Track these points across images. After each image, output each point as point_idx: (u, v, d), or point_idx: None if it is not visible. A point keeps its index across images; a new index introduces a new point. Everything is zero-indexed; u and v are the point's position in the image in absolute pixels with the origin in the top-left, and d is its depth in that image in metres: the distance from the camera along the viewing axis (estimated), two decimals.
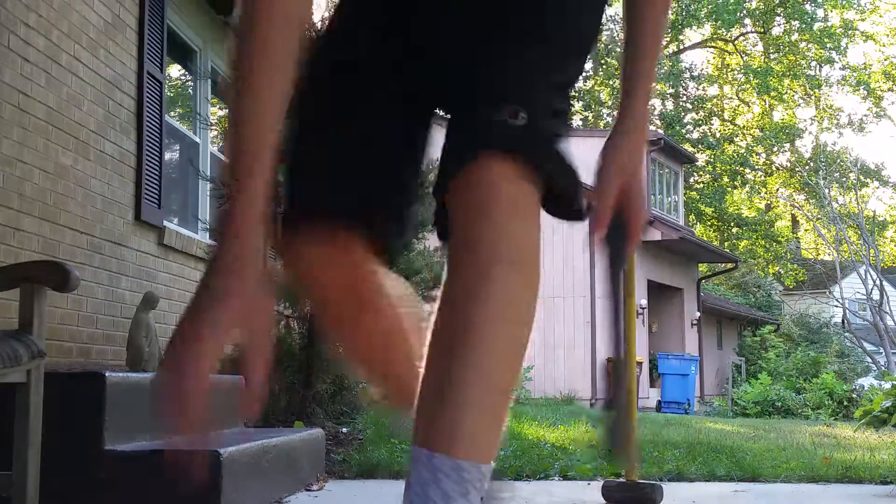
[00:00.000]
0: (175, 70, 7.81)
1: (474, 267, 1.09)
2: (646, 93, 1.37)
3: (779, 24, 35.47)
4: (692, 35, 36.89)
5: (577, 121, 34.14)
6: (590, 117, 33.47)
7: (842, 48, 33.74)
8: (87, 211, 5.11)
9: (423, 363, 1.12)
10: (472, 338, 1.06)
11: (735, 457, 5.57)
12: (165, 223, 6.21)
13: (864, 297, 24.87)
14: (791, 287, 33.57)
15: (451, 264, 1.13)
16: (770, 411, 17.21)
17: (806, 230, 37.75)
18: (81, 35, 5.13)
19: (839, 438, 7.98)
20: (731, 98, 36.71)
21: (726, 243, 33.89)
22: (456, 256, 1.12)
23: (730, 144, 34.19)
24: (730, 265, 25.44)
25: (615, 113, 1.37)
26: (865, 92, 35.31)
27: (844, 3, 33.76)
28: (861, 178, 31.78)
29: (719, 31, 34.53)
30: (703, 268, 25.28)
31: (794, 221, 38.06)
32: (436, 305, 1.13)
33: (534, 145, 1.14)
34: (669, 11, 1.38)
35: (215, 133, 7.60)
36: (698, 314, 22.46)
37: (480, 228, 1.10)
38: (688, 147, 30.07)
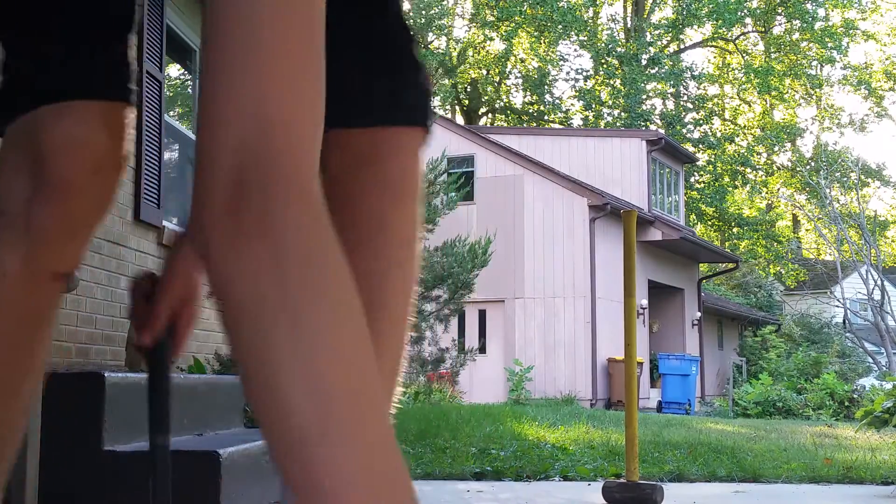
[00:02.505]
0: (174, 69, 7.80)
1: (407, 282, 1.04)
2: None
3: (780, 24, 35.47)
4: (693, 34, 36.93)
5: (577, 121, 34.13)
6: (590, 117, 33.44)
7: (843, 47, 33.70)
8: None
9: None
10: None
11: (736, 457, 5.57)
12: (165, 223, 6.20)
13: (866, 298, 24.84)
14: (792, 287, 33.54)
15: (365, 243, 1.03)
16: (771, 412, 17.20)
17: (807, 230, 37.74)
18: None
19: (840, 439, 7.98)
20: (731, 97, 36.72)
21: (727, 243, 33.87)
22: (377, 244, 1.03)
23: (730, 144, 34.15)
24: (730, 265, 25.43)
25: None
26: (866, 91, 35.31)
27: (845, 2, 33.74)
28: (862, 177, 31.78)
29: (720, 31, 34.49)
30: (703, 268, 25.26)
31: (795, 221, 38.05)
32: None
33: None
34: None
35: None
36: (699, 314, 22.45)
37: (413, 227, 1.05)
38: (688, 147, 30.04)
